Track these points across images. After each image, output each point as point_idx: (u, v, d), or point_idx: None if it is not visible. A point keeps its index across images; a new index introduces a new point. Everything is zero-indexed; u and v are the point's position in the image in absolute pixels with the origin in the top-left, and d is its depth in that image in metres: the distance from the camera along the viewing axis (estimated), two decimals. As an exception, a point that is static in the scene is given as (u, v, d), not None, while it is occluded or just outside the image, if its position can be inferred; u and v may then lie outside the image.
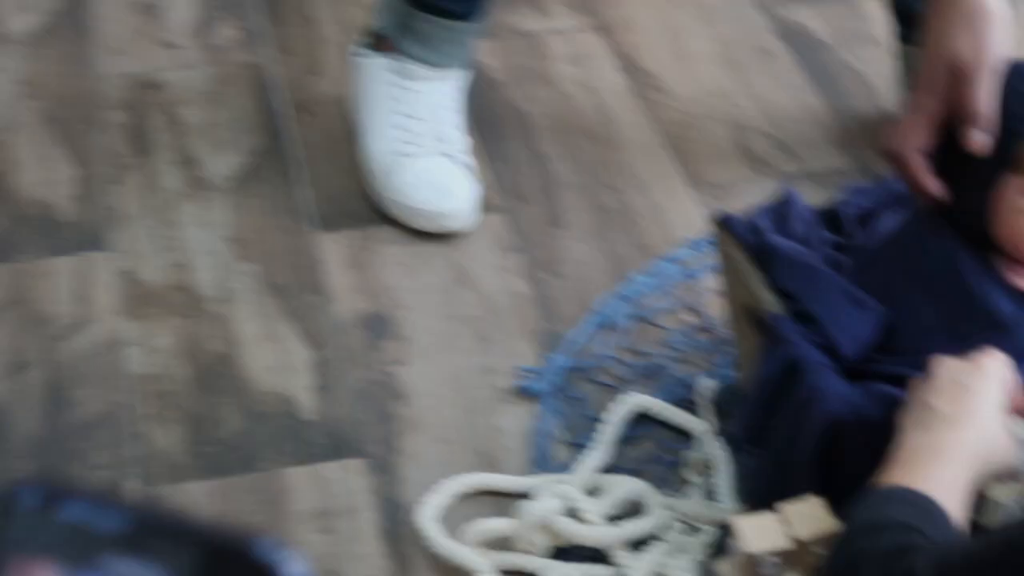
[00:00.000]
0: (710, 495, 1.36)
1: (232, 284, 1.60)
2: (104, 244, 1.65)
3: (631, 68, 1.92)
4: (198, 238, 1.66)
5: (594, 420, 1.44)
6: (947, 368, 1.16)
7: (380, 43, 1.75)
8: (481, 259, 1.64)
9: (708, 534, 1.31)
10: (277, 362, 1.51)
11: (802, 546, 1.15)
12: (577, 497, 1.32)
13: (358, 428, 1.45)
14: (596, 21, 2.00)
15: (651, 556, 1.30)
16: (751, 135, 1.82)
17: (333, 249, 1.64)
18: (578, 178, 1.75)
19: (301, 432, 1.44)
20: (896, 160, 1.32)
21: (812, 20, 2.00)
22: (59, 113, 1.83)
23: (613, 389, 1.48)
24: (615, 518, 1.33)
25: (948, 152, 1.31)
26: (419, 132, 1.70)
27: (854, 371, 1.28)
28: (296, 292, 1.59)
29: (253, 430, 1.45)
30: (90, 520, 0.36)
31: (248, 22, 1.99)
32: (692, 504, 1.34)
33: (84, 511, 0.37)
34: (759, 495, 1.28)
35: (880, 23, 1.88)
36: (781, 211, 1.42)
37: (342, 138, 1.78)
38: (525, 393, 1.48)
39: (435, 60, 1.73)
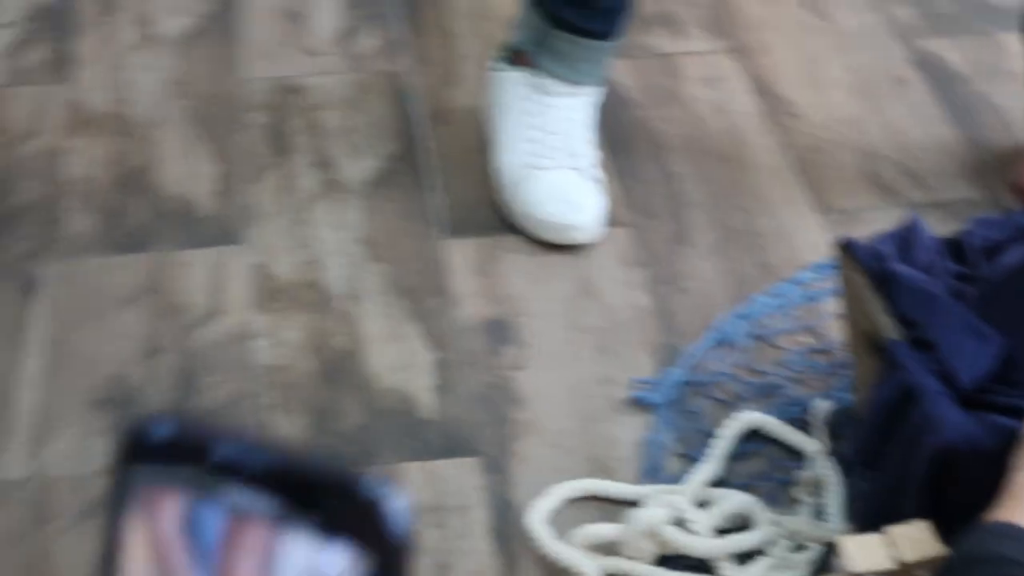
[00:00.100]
0: (819, 514, 1.37)
1: (361, 284, 1.64)
2: (240, 239, 1.70)
3: (764, 92, 1.94)
4: (330, 238, 1.70)
5: (707, 435, 1.46)
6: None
7: (517, 58, 1.78)
8: (605, 272, 1.66)
9: (814, 552, 1.32)
10: (400, 361, 1.55)
11: (905, 569, 1.15)
12: (686, 508, 1.34)
13: (475, 429, 1.48)
14: (732, 44, 2.02)
15: (756, 570, 1.31)
16: (881, 163, 1.82)
17: (460, 255, 1.68)
18: (706, 197, 1.77)
19: (419, 430, 1.48)
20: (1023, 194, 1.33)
21: (950, 52, 2.00)
22: (204, 112, 1.89)
23: (728, 405, 1.50)
24: (722, 531, 1.35)
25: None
26: (551, 146, 1.73)
27: (971, 401, 1.28)
28: (422, 295, 1.63)
29: (373, 425, 1.48)
30: (213, 453, 0.39)
31: (390, 32, 2.03)
32: (800, 522, 1.35)
33: (208, 444, 0.39)
34: (868, 517, 1.29)
35: (1018, 58, 1.87)
36: (906, 238, 1.43)
37: (475, 148, 1.81)
38: (641, 404, 1.50)
39: (571, 77, 1.76)
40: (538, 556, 1.34)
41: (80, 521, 1.37)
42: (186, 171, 1.80)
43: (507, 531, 1.37)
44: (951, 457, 1.24)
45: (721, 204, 1.76)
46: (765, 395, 1.51)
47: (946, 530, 1.17)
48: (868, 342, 1.36)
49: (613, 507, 1.38)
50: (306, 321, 1.60)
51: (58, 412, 1.49)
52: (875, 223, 1.61)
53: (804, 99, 1.93)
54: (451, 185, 1.78)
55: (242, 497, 0.39)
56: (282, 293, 1.64)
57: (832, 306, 1.56)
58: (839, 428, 1.43)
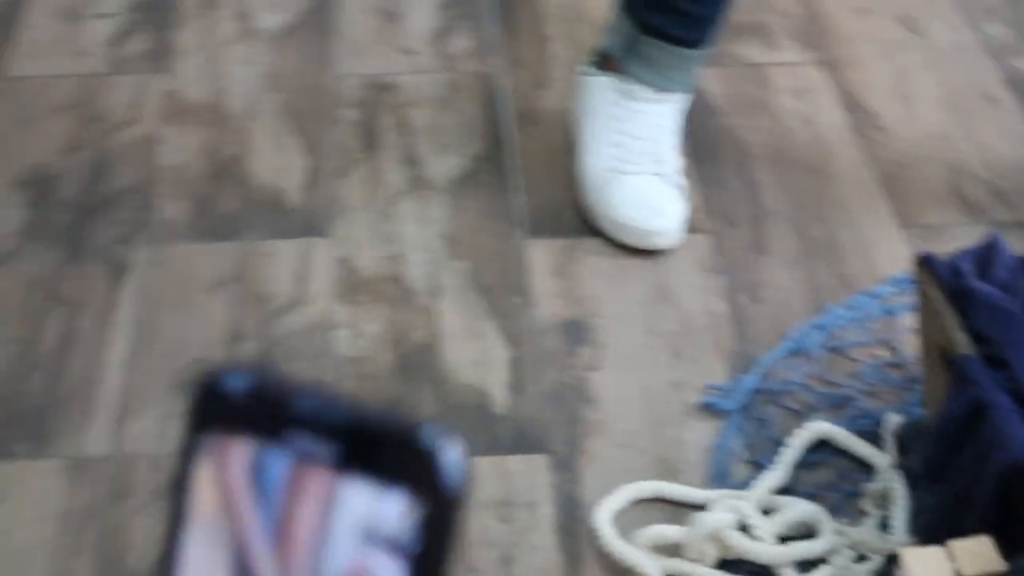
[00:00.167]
0: (884, 527, 1.37)
1: (442, 280, 1.67)
2: (326, 231, 1.74)
3: (853, 105, 1.94)
4: (414, 234, 1.73)
5: (776, 443, 1.47)
6: None
7: (606, 63, 1.80)
8: (683, 277, 1.67)
9: (875, 564, 1.33)
10: (476, 357, 1.58)
11: (966, 582, 1.16)
12: (751, 513, 1.35)
13: (546, 427, 1.50)
14: (822, 56, 2.02)
15: (817, 578, 1.32)
16: (967, 180, 1.82)
17: (541, 255, 1.70)
18: (788, 207, 1.77)
19: (491, 425, 1.50)
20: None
21: (1043, 71, 1.99)
22: (297, 106, 1.93)
23: (798, 415, 1.50)
24: (786, 538, 1.36)
25: None
26: (636, 151, 1.75)
27: (1043, 419, 1.28)
28: (501, 293, 1.65)
29: (446, 418, 1.51)
30: (281, 402, 0.41)
31: (483, 34, 2.06)
32: (864, 533, 1.35)
33: (276, 394, 0.42)
34: (933, 531, 1.29)
35: (1112, 79, 1.86)
36: (986, 256, 1.43)
37: (560, 150, 1.83)
38: (711, 410, 1.51)
39: (659, 83, 1.77)
40: (602, 554, 1.36)
41: (156, 499, 1.41)
42: (277, 163, 1.84)
43: (572, 528, 1.39)
44: (1020, 474, 1.24)
45: (802, 214, 1.76)
46: (836, 406, 1.52)
47: (1010, 547, 1.17)
48: (941, 356, 1.36)
49: (678, 510, 1.40)
50: (387, 314, 1.63)
51: (141, 393, 1.53)
52: (957, 240, 1.61)
53: (893, 113, 1.93)
54: (535, 186, 1.80)
55: (306, 445, 0.41)
56: (365, 286, 1.67)
57: (909, 321, 1.56)
58: (909, 442, 1.43)
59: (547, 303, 1.64)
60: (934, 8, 2.13)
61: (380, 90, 1.96)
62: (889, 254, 1.70)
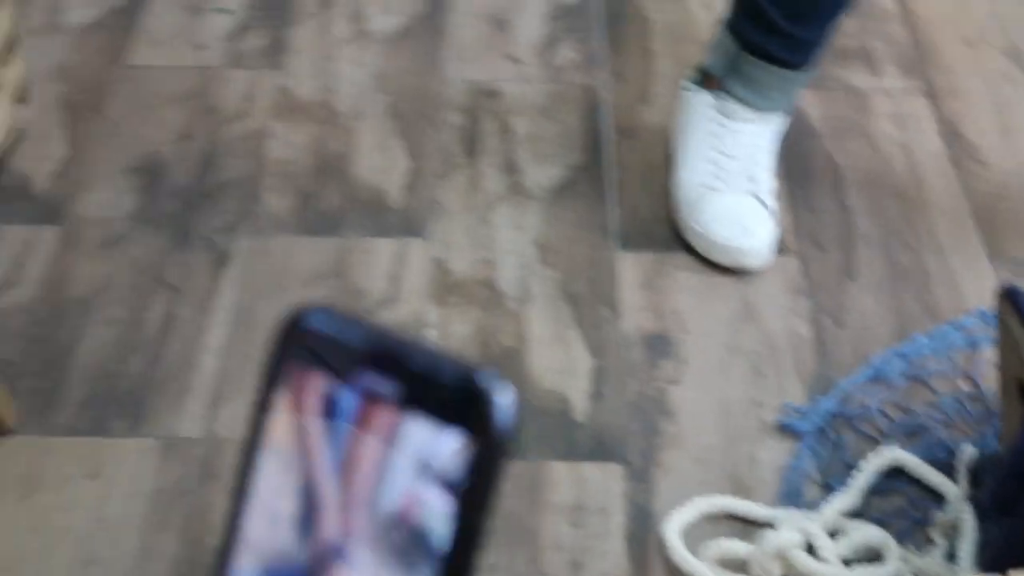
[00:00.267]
0: (950, 557, 1.39)
1: (532, 286, 1.71)
2: (424, 232, 1.78)
3: (952, 135, 1.95)
4: (509, 239, 1.77)
5: (850, 466, 1.49)
6: None
7: (708, 80, 1.83)
8: (769, 297, 1.70)
9: (938, 591, 1.35)
10: (560, 364, 1.61)
11: (1024, 616, 1.17)
12: (818, 534, 1.38)
13: (624, 436, 1.53)
14: (925, 85, 2.03)
15: (878, 602, 1.34)
16: (1062, 217, 1.82)
17: (630, 268, 1.73)
18: (878, 234, 1.79)
19: (571, 431, 1.54)
20: None
21: None
22: (403, 108, 1.98)
23: (873, 440, 1.52)
24: (851, 562, 1.38)
25: None
26: (730, 170, 1.77)
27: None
28: (589, 302, 1.69)
29: (528, 422, 1.55)
30: (355, 342, 0.45)
31: (590, 47, 2.10)
32: (929, 562, 1.37)
33: (352, 335, 0.45)
34: (996, 562, 1.31)
35: None
36: (1071, 293, 1.43)
37: (657, 166, 1.86)
38: (787, 430, 1.53)
39: (758, 103, 1.79)
40: (669, 565, 1.39)
41: (244, 482, 1.46)
42: (380, 163, 1.89)
43: (642, 537, 1.42)
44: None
45: (893, 241, 1.78)
46: (912, 434, 1.53)
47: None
48: (1019, 389, 1.38)
49: (747, 526, 1.43)
50: (476, 317, 1.67)
51: (235, 379, 1.59)
52: (1046, 276, 1.62)
53: (992, 146, 1.94)
54: (630, 199, 1.83)
55: (376, 382, 0.44)
56: (457, 288, 1.71)
57: (992, 354, 1.57)
58: (982, 474, 1.45)
59: (633, 315, 1.67)
60: (1042, 42, 2.13)
61: (485, 96, 2.00)
62: (977, 286, 1.71)
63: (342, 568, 0.45)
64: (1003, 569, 1.23)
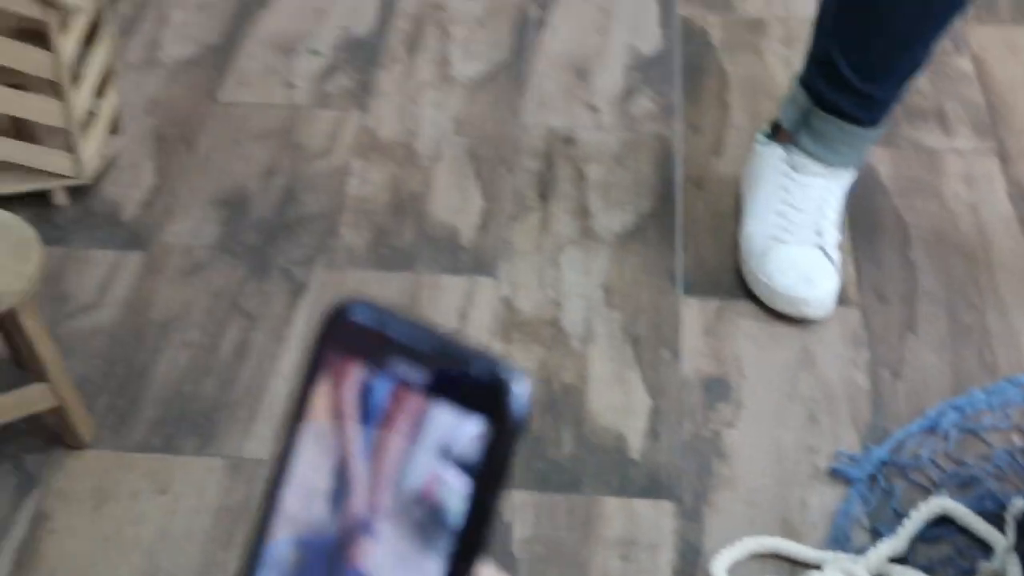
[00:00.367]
0: (994, 606, 1.40)
1: (596, 327, 1.75)
2: (494, 271, 1.83)
3: (1021, 197, 1.96)
4: (576, 281, 1.82)
5: (899, 514, 1.51)
6: None
7: (779, 133, 1.86)
8: (828, 348, 1.72)
9: (979, 639, 1.36)
10: (619, 403, 1.65)
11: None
12: (862, 577, 1.40)
13: (677, 475, 1.56)
14: (998, 147, 2.05)
15: (918, 647, 1.36)
16: None
17: (694, 313, 1.77)
18: (941, 291, 1.81)
19: (626, 468, 1.57)
20: None
21: None
22: (481, 151, 2.03)
23: (924, 489, 1.54)
24: (895, 606, 1.40)
25: None
26: (797, 222, 1.80)
27: None
28: (651, 345, 1.72)
29: (584, 457, 1.58)
30: (392, 333, 0.49)
31: (666, 98, 2.14)
32: (972, 609, 1.39)
33: (389, 326, 0.50)
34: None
35: None
36: None
37: (725, 216, 1.90)
38: (839, 476, 1.56)
39: (828, 159, 1.82)
40: (714, 600, 1.42)
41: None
42: (456, 203, 1.94)
43: (690, 573, 1.45)
44: None
45: (955, 299, 1.80)
46: (963, 485, 1.55)
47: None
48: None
49: (794, 568, 1.45)
50: (540, 354, 1.71)
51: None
52: (1106, 336, 1.64)
53: (1061, 208, 1.95)
54: (697, 247, 1.87)
55: (407, 371, 0.48)
56: (523, 326, 1.75)
57: (1048, 411, 1.59)
58: (1030, 527, 1.46)
59: (693, 359, 1.71)
60: (1118, 109, 2.14)
61: (562, 143, 2.05)
62: (1038, 345, 1.73)
63: (367, 541, 0.49)
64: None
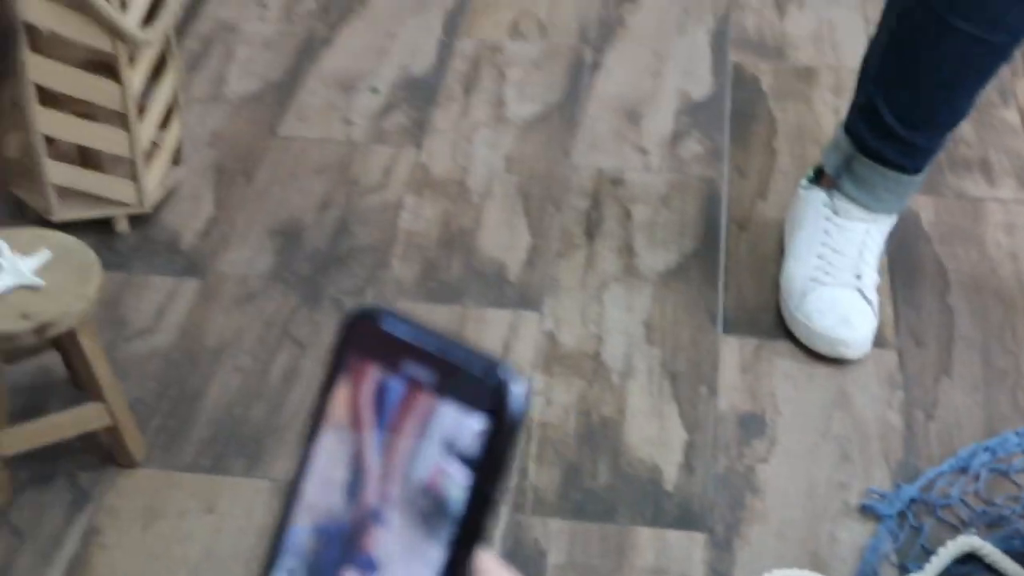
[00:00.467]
0: (1017, 644, 1.43)
1: (636, 362, 1.79)
2: (538, 306, 1.88)
3: (1062, 246, 1.99)
4: (618, 318, 1.86)
5: (928, 551, 1.54)
6: None
7: (822, 178, 1.90)
8: (864, 387, 1.75)
9: (999, 674, 1.38)
10: (655, 436, 1.69)
11: None
12: (886, 612, 1.42)
13: (710, 508, 1.60)
14: (1041, 197, 2.08)
15: None
16: None
17: (732, 351, 1.80)
18: (978, 335, 1.84)
19: (660, 499, 1.61)
20: None
21: None
22: (531, 189, 2.08)
23: (953, 528, 1.57)
24: (918, 640, 1.42)
25: None
26: (837, 265, 1.84)
27: None
28: (689, 381, 1.76)
29: (619, 488, 1.62)
30: (405, 337, 0.52)
31: (714, 142, 2.18)
32: (995, 646, 1.41)
33: (403, 331, 0.54)
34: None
35: None
36: None
37: (768, 258, 1.94)
38: (869, 512, 1.59)
39: (870, 204, 1.86)
40: (740, 630, 1.45)
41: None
42: (504, 239, 1.99)
43: (718, 603, 1.49)
44: None
45: (992, 344, 1.82)
46: (991, 524, 1.58)
47: None
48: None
49: (821, 600, 1.48)
50: (580, 387, 1.76)
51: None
52: None
53: (1102, 258, 1.97)
54: (738, 287, 1.91)
55: (418, 372, 0.52)
56: (564, 359, 1.80)
57: (1079, 455, 1.61)
58: (1056, 568, 1.48)
59: (730, 395, 1.74)
60: None
61: (610, 183, 2.10)
62: (1073, 391, 1.75)
63: (377, 528, 0.53)
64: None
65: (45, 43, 1.82)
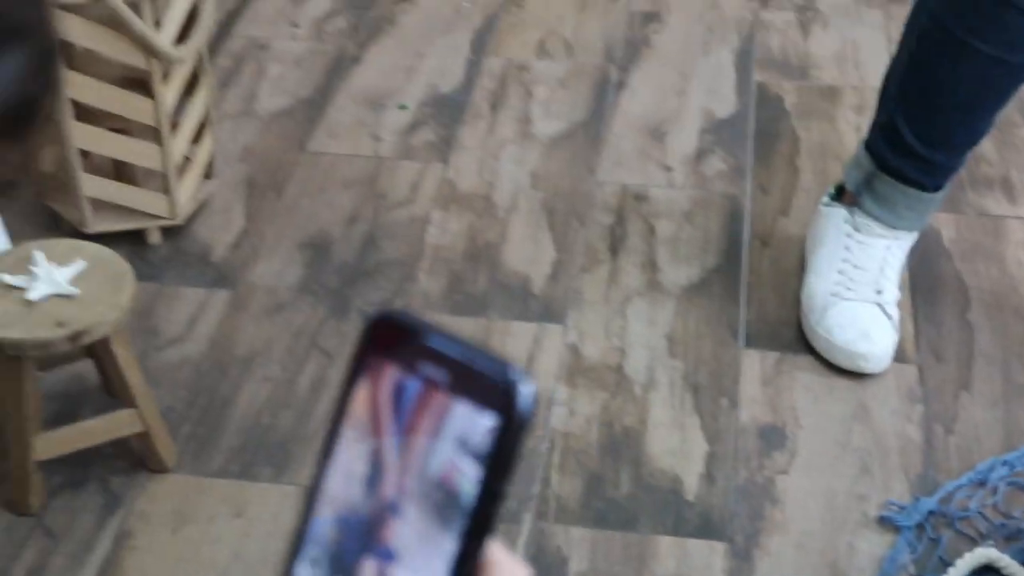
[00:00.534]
0: (1033, 654, 1.44)
1: (658, 375, 1.81)
2: (562, 319, 1.90)
3: (1082, 264, 2.01)
4: (641, 331, 1.88)
5: (945, 563, 1.56)
6: None
7: (843, 196, 1.93)
8: (883, 402, 1.78)
9: None
10: (676, 447, 1.71)
11: None
12: (903, 621, 1.44)
13: (730, 518, 1.62)
14: (1061, 215, 2.10)
15: None
16: None
17: (753, 365, 1.83)
18: (998, 352, 1.86)
19: (680, 509, 1.63)
20: None
21: None
22: (556, 205, 2.11)
23: (971, 540, 1.59)
24: (934, 649, 1.44)
25: None
26: (858, 280, 1.86)
27: None
28: (710, 393, 1.79)
29: (640, 497, 1.65)
30: (422, 340, 0.55)
31: (738, 160, 2.21)
32: (1010, 655, 1.43)
33: (419, 334, 0.56)
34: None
35: None
36: None
37: (788, 273, 1.96)
38: (888, 523, 1.61)
39: (890, 221, 1.88)
40: (759, 637, 1.47)
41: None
42: (529, 254, 2.02)
43: (737, 611, 1.51)
44: None
45: (1012, 360, 1.84)
46: (1009, 537, 1.59)
47: None
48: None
49: (838, 609, 1.50)
50: (602, 399, 1.78)
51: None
52: None
53: (1122, 276, 1.99)
54: (759, 302, 1.93)
55: (433, 372, 0.55)
56: (587, 371, 1.82)
57: (1096, 469, 1.63)
58: (1072, 580, 1.50)
59: (750, 408, 1.77)
60: None
61: (634, 199, 2.13)
62: (1091, 406, 1.77)
63: (395, 520, 0.56)
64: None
65: (81, 60, 1.86)
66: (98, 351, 1.62)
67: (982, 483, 1.66)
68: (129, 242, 1.98)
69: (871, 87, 2.31)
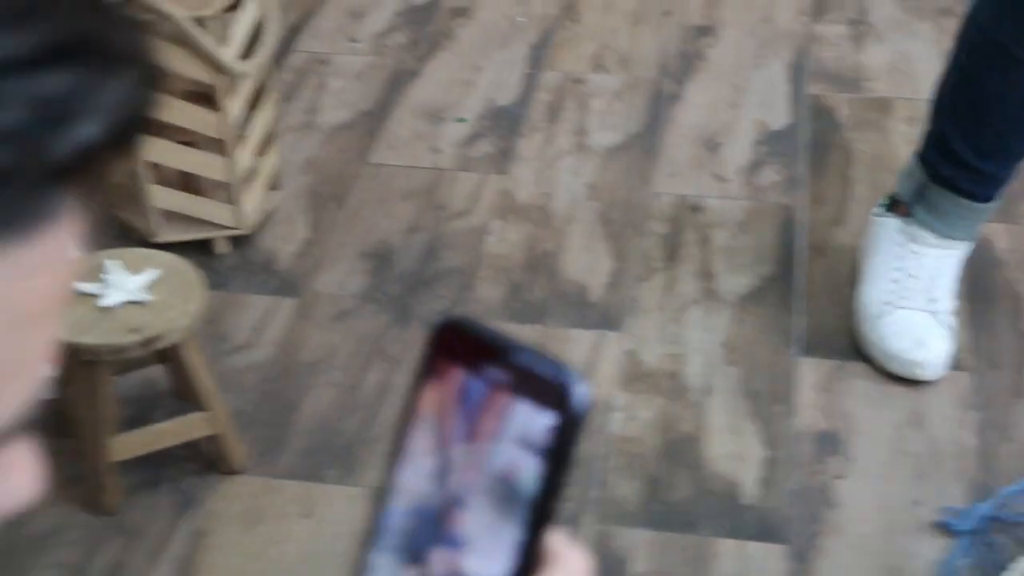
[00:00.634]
0: (1088, 655, 1.47)
1: (715, 381, 1.85)
2: (620, 327, 1.94)
3: None
4: (697, 338, 1.92)
5: (1001, 568, 1.58)
6: None
7: (896, 206, 1.95)
8: (939, 408, 1.80)
9: None
10: (734, 452, 1.75)
11: None
12: (959, 622, 1.47)
13: (788, 521, 1.65)
14: (1114, 226, 2.12)
15: None
16: None
17: (809, 372, 1.86)
18: (1052, 359, 1.88)
19: (739, 512, 1.67)
20: None
21: None
22: (612, 215, 2.15)
23: (1025, 544, 1.62)
24: (990, 649, 1.47)
25: None
26: (912, 289, 1.89)
27: None
28: (766, 400, 1.82)
29: (699, 501, 1.68)
30: (488, 343, 0.59)
31: (792, 171, 2.24)
32: (1065, 656, 1.45)
33: (486, 338, 0.60)
34: None
35: None
36: None
37: (844, 283, 1.99)
38: (944, 528, 1.64)
39: (943, 231, 1.91)
40: (817, 637, 1.50)
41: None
42: (586, 263, 2.06)
43: (795, 611, 1.54)
44: None
45: (1065, 367, 1.87)
46: (1063, 542, 1.62)
47: None
48: None
49: (895, 610, 1.53)
50: (660, 404, 1.82)
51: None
52: None
53: None
54: (815, 311, 1.96)
55: (497, 375, 0.58)
56: (646, 377, 1.86)
57: None
58: None
59: (807, 414, 1.80)
60: None
61: (689, 210, 2.16)
62: None
63: (461, 511, 0.60)
64: None
65: (152, 72, 1.91)
66: (170, 356, 1.67)
67: (1037, 488, 1.69)
68: (197, 251, 2.02)
69: (923, 99, 2.33)
